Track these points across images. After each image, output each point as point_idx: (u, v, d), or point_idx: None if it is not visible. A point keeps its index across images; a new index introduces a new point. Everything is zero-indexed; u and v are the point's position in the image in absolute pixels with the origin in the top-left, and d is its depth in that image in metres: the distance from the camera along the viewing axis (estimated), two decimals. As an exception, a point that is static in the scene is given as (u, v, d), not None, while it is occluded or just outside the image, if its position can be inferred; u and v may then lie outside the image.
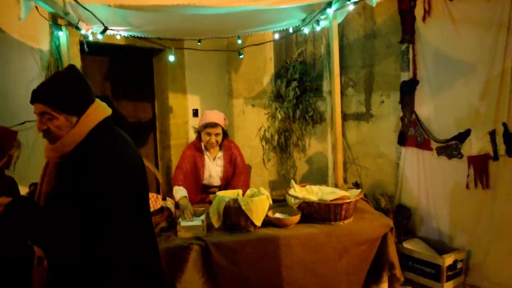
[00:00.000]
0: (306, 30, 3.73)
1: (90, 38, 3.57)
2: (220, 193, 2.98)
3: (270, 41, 4.41)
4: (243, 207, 2.73)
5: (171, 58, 4.04)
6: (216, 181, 3.57)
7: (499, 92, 3.48)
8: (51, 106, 1.63)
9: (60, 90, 1.66)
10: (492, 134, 3.54)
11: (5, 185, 2.62)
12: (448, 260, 3.60)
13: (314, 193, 3.06)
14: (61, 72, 1.77)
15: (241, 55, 4.26)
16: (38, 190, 1.77)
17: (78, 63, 3.64)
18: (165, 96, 4.94)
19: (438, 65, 3.83)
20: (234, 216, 2.78)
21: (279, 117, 4.63)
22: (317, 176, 4.83)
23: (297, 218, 2.85)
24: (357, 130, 4.51)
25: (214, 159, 3.55)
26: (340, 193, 2.88)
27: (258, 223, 2.79)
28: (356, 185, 4.39)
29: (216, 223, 2.81)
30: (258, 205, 2.79)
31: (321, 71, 4.74)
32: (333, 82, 3.30)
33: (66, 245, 1.57)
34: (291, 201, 2.96)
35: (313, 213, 2.90)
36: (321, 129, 4.80)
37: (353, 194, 2.94)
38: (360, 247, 2.85)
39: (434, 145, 3.90)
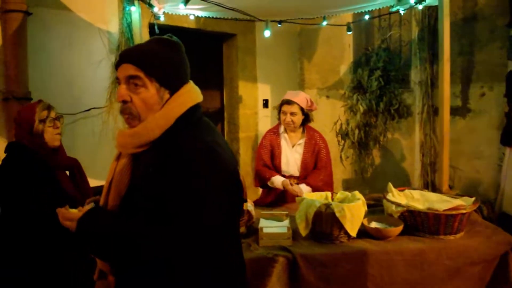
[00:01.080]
0: (401, 11, 3.28)
1: (162, 19, 3.31)
2: (308, 196, 2.64)
3: (358, 20, 3.85)
4: (337, 214, 2.36)
5: (267, 33, 3.45)
6: (294, 171, 3.21)
7: None
8: (144, 70, 1.32)
9: (159, 54, 1.36)
10: None
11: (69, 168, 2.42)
12: None
13: (417, 199, 2.65)
14: (161, 38, 1.45)
15: (350, 30, 3.74)
16: (106, 190, 1.46)
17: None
18: (234, 84, 4.65)
19: (557, 52, 3.27)
20: (326, 224, 2.43)
21: (361, 109, 4.19)
22: (401, 177, 4.37)
23: (399, 229, 2.45)
24: (450, 126, 3.98)
25: (293, 146, 3.21)
26: (455, 201, 2.44)
27: (353, 233, 2.41)
28: (449, 188, 3.90)
29: (303, 231, 2.46)
30: (354, 212, 2.41)
31: (408, 59, 4.26)
32: (442, 69, 2.84)
33: (151, 267, 1.28)
34: (391, 208, 2.56)
35: (418, 224, 2.48)
36: (406, 124, 4.33)
37: (468, 203, 2.49)
38: (474, 268, 2.40)
39: (548, 146, 3.35)
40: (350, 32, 3.59)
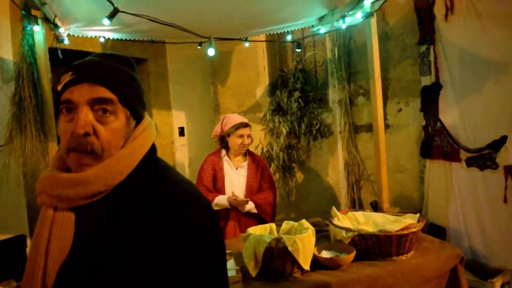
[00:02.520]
0: (323, 30, 3.25)
1: (66, 42, 2.91)
2: (252, 230, 2.41)
3: (285, 41, 3.75)
4: (290, 248, 2.16)
5: (211, 51, 2.99)
6: (239, 193, 3.08)
7: (539, 93, 3.15)
8: (118, 94, 1.03)
9: (128, 75, 1.08)
10: (532, 140, 3.20)
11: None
12: (497, 285, 3.19)
13: (364, 222, 2.56)
14: (115, 55, 1.14)
15: (298, 48, 3.54)
16: (42, 256, 1.07)
17: (48, 75, 2.92)
18: (147, 112, 4.30)
19: (464, 67, 3.46)
20: (277, 260, 2.21)
21: (284, 132, 4.09)
22: (327, 196, 4.34)
23: (352, 256, 2.32)
24: (371, 143, 4.06)
25: (236, 169, 3.15)
26: (406, 221, 2.38)
27: (307, 266, 2.23)
28: (373, 204, 3.93)
29: (253, 271, 2.22)
30: (306, 244, 2.23)
31: (325, 79, 4.28)
32: (373, 86, 2.83)
33: None
34: (341, 234, 2.43)
35: (369, 247, 2.38)
36: (328, 143, 4.32)
37: (414, 220, 2.46)
38: (429, 285, 2.36)
39: (463, 155, 3.51)
40: (299, 50, 3.42)
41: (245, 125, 3.08)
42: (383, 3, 2.71)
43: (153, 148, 1.11)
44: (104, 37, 3.01)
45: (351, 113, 4.04)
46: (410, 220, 2.38)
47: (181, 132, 4.59)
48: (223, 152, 3.17)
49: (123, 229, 0.97)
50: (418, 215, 2.51)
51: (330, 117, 4.27)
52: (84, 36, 2.99)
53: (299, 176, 4.50)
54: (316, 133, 4.22)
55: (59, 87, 1.04)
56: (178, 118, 4.56)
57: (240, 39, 3.39)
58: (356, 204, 4.08)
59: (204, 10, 2.70)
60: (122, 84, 1.05)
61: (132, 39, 3.15)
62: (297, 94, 4.16)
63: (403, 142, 3.85)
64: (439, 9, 3.50)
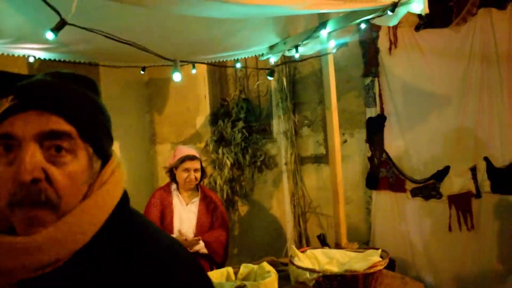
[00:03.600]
0: (273, 59, 3.16)
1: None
2: (211, 275, 2.17)
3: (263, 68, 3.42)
4: (255, 296, 1.97)
5: (177, 76, 2.61)
6: (188, 231, 2.82)
7: (477, 125, 3.28)
8: (78, 125, 0.77)
9: (90, 101, 0.82)
10: (473, 170, 3.31)
11: None
12: (446, 315, 3.20)
13: (326, 261, 2.41)
14: (73, 74, 0.85)
15: (271, 76, 3.17)
16: None
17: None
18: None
19: (408, 99, 3.55)
20: (242, 310, 2.00)
21: (228, 164, 3.90)
22: (270, 230, 4.18)
23: (318, 300, 2.16)
24: (316, 175, 4.00)
25: (187, 204, 2.89)
26: (373, 259, 2.27)
27: (273, 314, 2.04)
28: (321, 237, 3.84)
29: (214, 323, 1.98)
30: (270, 289, 2.05)
31: (269, 109, 4.19)
32: (330, 117, 2.75)
33: None
34: (305, 276, 2.25)
35: (334, 288, 2.24)
36: (272, 175, 4.20)
37: (375, 255, 2.36)
38: (395, 325, 2.27)
39: (409, 186, 3.55)
40: (271, 78, 3.20)
41: (192, 158, 2.84)
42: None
43: (125, 197, 0.85)
44: (34, 57, 2.67)
45: (296, 144, 3.97)
46: (376, 258, 2.28)
47: (116, 164, 4.24)
48: (173, 186, 2.93)
49: None
50: (380, 250, 2.41)
51: (275, 148, 4.16)
52: (10, 54, 2.63)
53: (242, 209, 4.31)
54: (261, 165, 4.08)
55: None
56: (114, 149, 4.21)
57: (211, 63, 3.19)
58: (302, 238, 3.96)
59: (151, 31, 2.48)
60: (82, 112, 0.79)
61: (66, 60, 2.83)
62: (241, 124, 4.02)
63: (348, 174, 3.82)
64: (383, 43, 3.58)
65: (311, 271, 2.26)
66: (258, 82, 4.07)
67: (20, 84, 0.79)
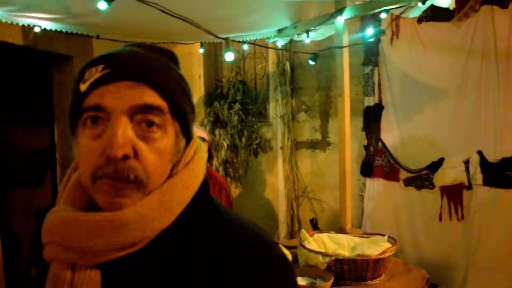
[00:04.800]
0: (280, 43, 3.14)
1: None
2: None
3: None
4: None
5: (229, 55, 2.53)
6: None
7: (473, 119, 3.38)
8: (170, 100, 0.73)
9: (178, 76, 0.78)
10: (467, 163, 3.42)
11: None
12: (434, 300, 3.32)
13: (332, 245, 2.47)
14: (157, 47, 0.81)
15: (314, 61, 3.17)
16: None
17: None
18: (69, 119, 3.80)
19: (406, 90, 3.61)
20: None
21: (225, 146, 3.88)
22: (261, 213, 4.21)
23: (330, 283, 2.21)
24: (311, 160, 4.04)
25: None
26: (384, 245, 2.33)
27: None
28: (313, 222, 3.90)
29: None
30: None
31: (265, 92, 4.17)
32: (342, 104, 2.77)
33: None
34: (317, 259, 2.30)
35: (344, 272, 2.28)
36: (266, 159, 4.21)
37: (383, 242, 2.42)
38: (399, 309, 2.34)
39: (403, 175, 3.64)
40: (313, 63, 3.16)
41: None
42: (396, 18, 2.68)
43: (205, 179, 0.83)
44: (39, 27, 2.56)
45: (292, 128, 3.99)
46: (387, 244, 2.34)
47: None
48: None
49: None
50: (386, 237, 2.48)
51: (270, 131, 4.17)
52: (15, 23, 2.51)
53: (235, 192, 4.32)
54: (256, 148, 4.09)
55: (83, 87, 0.72)
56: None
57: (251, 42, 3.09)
58: (295, 221, 4.02)
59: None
60: (174, 86, 0.75)
61: (73, 32, 2.73)
62: (237, 106, 4.00)
63: (343, 160, 3.87)
64: (385, 33, 3.61)
65: (324, 254, 2.30)
66: (261, 65, 4.04)
67: (110, 52, 0.76)
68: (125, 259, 0.70)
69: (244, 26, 2.85)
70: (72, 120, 0.75)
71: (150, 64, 0.74)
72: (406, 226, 3.67)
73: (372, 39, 3.15)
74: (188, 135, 0.80)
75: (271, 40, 3.18)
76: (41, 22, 2.51)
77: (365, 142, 3.76)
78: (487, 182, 3.34)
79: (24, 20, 2.48)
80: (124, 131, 0.69)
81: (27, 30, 3.14)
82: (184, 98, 0.77)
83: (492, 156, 3.31)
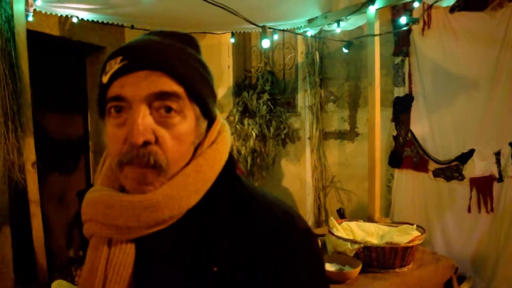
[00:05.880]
0: (310, 33, 3.16)
1: (30, 19, 2.49)
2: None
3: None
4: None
5: (266, 43, 2.63)
6: None
7: (504, 111, 3.33)
8: (187, 86, 0.76)
9: (195, 61, 0.81)
10: (497, 154, 3.38)
11: None
12: (463, 292, 3.32)
13: (360, 233, 2.49)
14: (177, 33, 0.85)
15: (347, 49, 3.25)
16: None
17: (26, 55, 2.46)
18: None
19: (437, 81, 3.58)
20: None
21: (253, 135, 3.93)
22: (288, 202, 4.24)
23: (359, 269, 2.24)
24: (339, 150, 4.05)
25: None
26: (413, 233, 2.34)
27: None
28: (341, 211, 3.92)
29: None
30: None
31: (294, 83, 4.19)
32: (372, 94, 2.78)
33: None
34: (346, 246, 2.33)
35: (372, 259, 2.31)
36: (295, 149, 4.24)
37: (413, 231, 2.44)
38: (429, 297, 2.37)
39: (432, 166, 3.63)
40: (347, 51, 3.20)
41: None
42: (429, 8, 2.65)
43: (231, 158, 0.85)
44: (77, 17, 2.64)
45: (320, 119, 4.01)
46: (415, 232, 2.35)
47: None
48: None
49: (216, 268, 0.74)
50: (415, 225, 2.49)
51: (298, 122, 4.19)
52: (53, 13, 2.59)
53: (263, 182, 4.37)
54: (284, 138, 4.12)
55: (105, 78, 0.77)
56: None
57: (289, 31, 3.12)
58: (322, 211, 4.05)
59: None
60: (190, 71, 0.78)
61: (109, 22, 2.80)
62: (266, 96, 4.03)
63: (371, 151, 3.88)
64: (418, 21, 3.58)
65: (353, 242, 2.33)
66: (290, 55, 4.06)
67: (128, 44, 0.80)
68: (157, 235, 0.75)
69: (275, 16, 2.87)
70: (101, 110, 0.81)
71: (165, 52, 0.77)
72: (434, 217, 3.66)
73: (404, 29, 3.12)
74: (210, 117, 0.83)
75: (302, 30, 3.19)
76: (78, 12, 2.59)
77: (394, 133, 3.75)
78: (518, 174, 3.30)
79: (63, 10, 2.55)
80: (144, 118, 0.73)
81: (63, 21, 3.24)
82: (202, 82, 0.80)
83: (525, 148, 3.27)
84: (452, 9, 3.46)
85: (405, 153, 3.72)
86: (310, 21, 3.08)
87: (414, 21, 2.73)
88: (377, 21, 2.69)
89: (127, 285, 0.76)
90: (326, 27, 3.03)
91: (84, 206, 0.81)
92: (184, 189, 0.75)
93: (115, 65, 0.76)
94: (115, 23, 2.80)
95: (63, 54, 3.69)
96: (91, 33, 3.56)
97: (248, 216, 0.78)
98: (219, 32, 3.28)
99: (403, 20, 2.76)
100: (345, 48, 2.78)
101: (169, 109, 0.74)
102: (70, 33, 3.38)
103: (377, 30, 2.71)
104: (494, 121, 3.37)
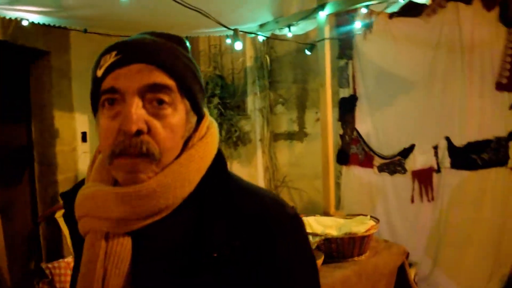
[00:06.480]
0: (261, 38, 3.26)
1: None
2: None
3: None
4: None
5: (238, 45, 2.75)
6: None
7: (440, 108, 3.63)
8: (178, 79, 0.80)
9: (185, 58, 0.85)
10: (436, 148, 3.67)
11: None
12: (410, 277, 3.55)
13: (319, 227, 2.62)
14: (165, 34, 0.89)
15: (310, 51, 3.20)
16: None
17: None
18: (48, 115, 3.75)
19: (379, 82, 3.82)
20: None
21: (206, 139, 3.95)
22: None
23: (321, 261, 2.35)
24: (289, 151, 4.19)
25: None
26: (369, 222, 2.50)
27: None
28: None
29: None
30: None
31: (243, 86, 4.28)
32: (324, 94, 2.92)
33: None
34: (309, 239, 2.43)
35: (332, 250, 2.44)
36: (246, 151, 4.32)
37: (368, 221, 2.59)
38: (384, 281, 2.53)
39: (377, 162, 3.86)
40: (310, 53, 3.14)
41: None
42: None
43: (220, 152, 0.89)
44: (27, 20, 2.55)
45: (270, 121, 4.13)
46: (371, 222, 2.51)
47: (84, 137, 4.12)
48: None
49: (216, 254, 0.77)
50: (368, 216, 2.66)
51: (249, 124, 4.28)
52: (1, 16, 2.49)
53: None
54: (236, 141, 4.19)
55: (99, 72, 0.79)
56: (81, 122, 4.07)
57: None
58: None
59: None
60: (182, 67, 0.82)
61: (62, 25, 2.73)
62: (216, 100, 4.08)
63: (320, 151, 4.04)
64: (372, 27, 3.80)
65: (314, 235, 2.44)
66: (241, 59, 4.14)
67: (122, 40, 0.84)
68: (152, 226, 0.77)
69: (230, 21, 2.94)
70: (93, 104, 0.84)
71: (158, 48, 0.81)
72: (381, 209, 3.89)
73: (359, 33, 3.34)
74: (199, 113, 0.87)
75: (253, 35, 3.29)
76: (29, 15, 2.50)
77: (341, 132, 3.95)
78: (454, 165, 3.61)
79: (13, 13, 2.46)
80: (137, 108, 0.75)
81: (6, 24, 3.10)
82: (192, 78, 0.83)
83: (458, 141, 3.57)
84: (391, 15, 3.72)
85: (351, 150, 3.93)
86: (261, 25, 3.19)
87: (368, 26, 2.91)
88: (327, 25, 2.83)
89: (126, 278, 0.77)
90: (277, 32, 3.15)
91: (79, 203, 0.82)
92: (178, 178, 0.78)
93: (109, 59, 0.79)
94: (68, 26, 2.74)
95: (5, 59, 3.51)
96: (35, 37, 3.42)
97: (240, 204, 0.81)
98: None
99: (358, 25, 2.94)
100: (308, 50, 2.89)
101: (161, 102, 0.77)
102: (13, 37, 3.23)
103: (327, 35, 2.86)
104: (432, 118, 3.66)
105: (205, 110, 0.91)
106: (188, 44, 0.92)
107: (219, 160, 0.87)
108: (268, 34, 3.23)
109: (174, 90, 0.78)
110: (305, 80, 4.05)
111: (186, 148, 0.82)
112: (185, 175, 0.79)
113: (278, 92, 4.16)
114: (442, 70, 3.59)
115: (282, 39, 3.35)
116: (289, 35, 2.99)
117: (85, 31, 2.82)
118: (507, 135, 3.45)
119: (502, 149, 3.46)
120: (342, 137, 3.94)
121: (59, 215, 1.95)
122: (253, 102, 4.20)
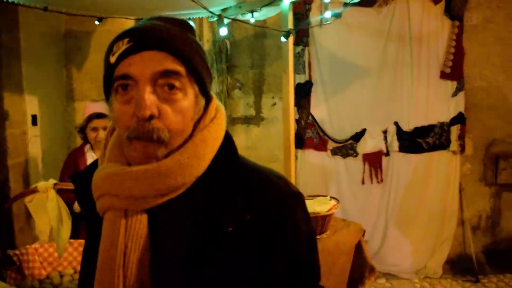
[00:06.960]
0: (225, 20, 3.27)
1: None
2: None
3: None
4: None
5: (224, 30, 2.71)
6: None
7: (390, 95, 3.85)
8: (187, 64, 0.83)
9: (194, 43, 0.88)
10: (385, 132, 3.90)
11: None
12: (361, 254, 3.78)
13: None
14: (173, 18, 0.90)
15: (286, 38, 2.97)
16: (119, 267, 0.86)
17: None
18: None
19: (333, 69, 3.98)
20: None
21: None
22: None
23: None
24: (246, 135, 4.26)
25: None
26: (330, 202, 2.64)
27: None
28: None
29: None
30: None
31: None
32: (287, 80, 2.99)
33: None
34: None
35: (298, 229, 2.57)
36: (203, 134, 4.34)
37: (328, 201, 2.74)
38: (343, 257, 2.69)
39: (330, 145, 4.04)
40: (285, 40, 2.96)
41: (99, 115, 2.76)
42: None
43: (228, 133, 0.95)
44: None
45: (227, 105, 4.18)
46: (332, 202, 2.66)
47: (34, 121, 3.95)
48: (87, 147, 2.85)
49: (231, 228, 0.83)
50: (328, 197, 2.81)
51: (205, 108, 4.30)
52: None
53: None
54: (194, 124, 4.19)
55: (112, 59, 0.82)
56: (31, 104, 3.90)
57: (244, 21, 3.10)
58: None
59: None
60: (191, 52, 0.84)
61: (21, 3, 2.60)
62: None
63: (276, 134, 4.15)
64: (314, 15, 3.92)
65: (280, 214, 2.55)
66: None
67: (134, 27, 0.87)
68: (169, 204, 0.82)
69: (191, 5, 2.93)
70: (106, 89, 0.87)
71: (168, 35, 0.84)
72: (333, 190, 4.08)
73: (327, 23, 3.47)
74: (206, 96, 0.91)
75: (215, 19, 3.30)
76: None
77: (297, 117, 4.07)
78: (402, 148, 3.87)
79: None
80: (149, 94, 0.79)
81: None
82: (200, 63, 0.87)
83: (406, 126, 3.83)
84: (346, 4, 3.86)
85: (306, 134, 4.07)
86: (223, 10, 3.20)
87: (337, 16, 3.03)
88: (291, 12, 2.91)
89: (145, 252, 0.82)
90: (239, 17, 3.18)
91: (97, 183, 0.86)
92: (194, 157, 0.83)
93: (122, 46, 0.81)
94: (27, 4, 2.61)
95: None
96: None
97: (250, 181, 0.88)
98: (132, 18, 3.24)
99: (327, 14, 3.06)
100: (284, 37, 2.90)
101: (172, 87, 0.81)
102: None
103: (290, 21, 2.93)
104: (382, 104, 3.88)
105: (212, 93, 0.95)
106: (195, 30, 0.95)
107: (229, 141, 0.92)
108: (228, 20, 3.25)
109: (184, 75, 0.82)
110: (262, 65, 4.13)
111: (198, 129, 0.87)
112: (200, 155, 0.83)
113: (235, 77, 4.20)
114: (393, 59, 3.80)
115: (261, 26, 3.42)
116: (252, 20, 3.04)
117: (45, 9, 2.71)
118: (449, 121, 3.75)
119: (445, 133, 3.75)
120: (297, 121, 4.07)
121: (28, 200, 1.90)
122: (214, 85, 4.21)
